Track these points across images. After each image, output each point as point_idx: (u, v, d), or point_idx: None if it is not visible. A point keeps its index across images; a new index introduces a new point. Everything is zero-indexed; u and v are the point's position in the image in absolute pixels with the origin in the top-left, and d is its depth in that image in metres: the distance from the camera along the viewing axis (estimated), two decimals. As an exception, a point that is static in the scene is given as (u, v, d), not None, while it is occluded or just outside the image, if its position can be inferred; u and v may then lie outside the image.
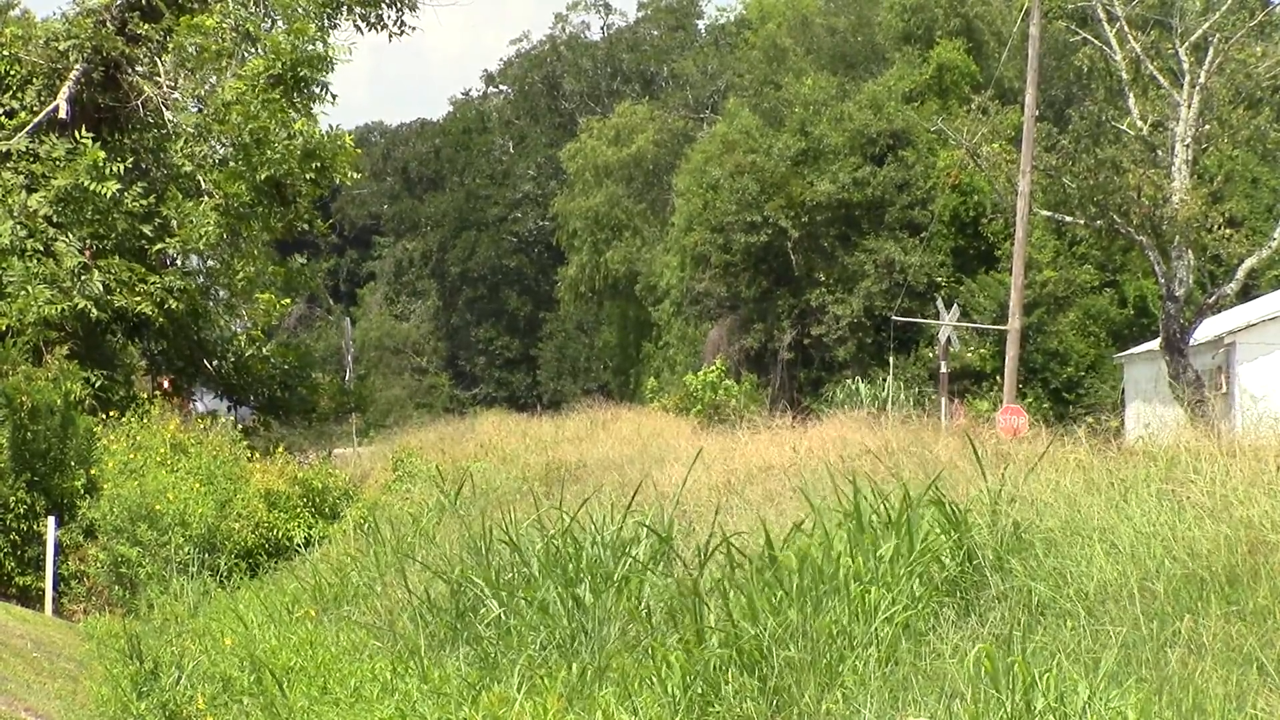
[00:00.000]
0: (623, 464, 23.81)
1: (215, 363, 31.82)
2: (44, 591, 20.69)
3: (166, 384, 30.90)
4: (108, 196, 26.17)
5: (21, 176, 27.14)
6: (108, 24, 27.91)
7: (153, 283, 27.90)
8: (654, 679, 9.92)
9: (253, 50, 27.72)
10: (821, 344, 56.85)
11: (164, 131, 28.61)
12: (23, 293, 25.66)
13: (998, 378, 44.47)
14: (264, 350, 32.87)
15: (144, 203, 27.20)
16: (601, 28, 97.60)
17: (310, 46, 27.09)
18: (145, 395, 27.04)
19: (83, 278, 26.47)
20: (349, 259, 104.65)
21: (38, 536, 21.00)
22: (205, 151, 27.65)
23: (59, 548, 20.97)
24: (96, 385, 26.00)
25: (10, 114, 28.04)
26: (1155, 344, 38.85)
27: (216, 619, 16.88)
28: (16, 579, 21.05)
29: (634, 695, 9.79)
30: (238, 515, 22.89)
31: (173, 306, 28.03)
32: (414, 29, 30.73)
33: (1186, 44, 34.26)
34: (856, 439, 20.51)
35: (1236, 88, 34.03)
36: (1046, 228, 48.55)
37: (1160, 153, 34.35)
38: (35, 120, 27.47)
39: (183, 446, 24.16)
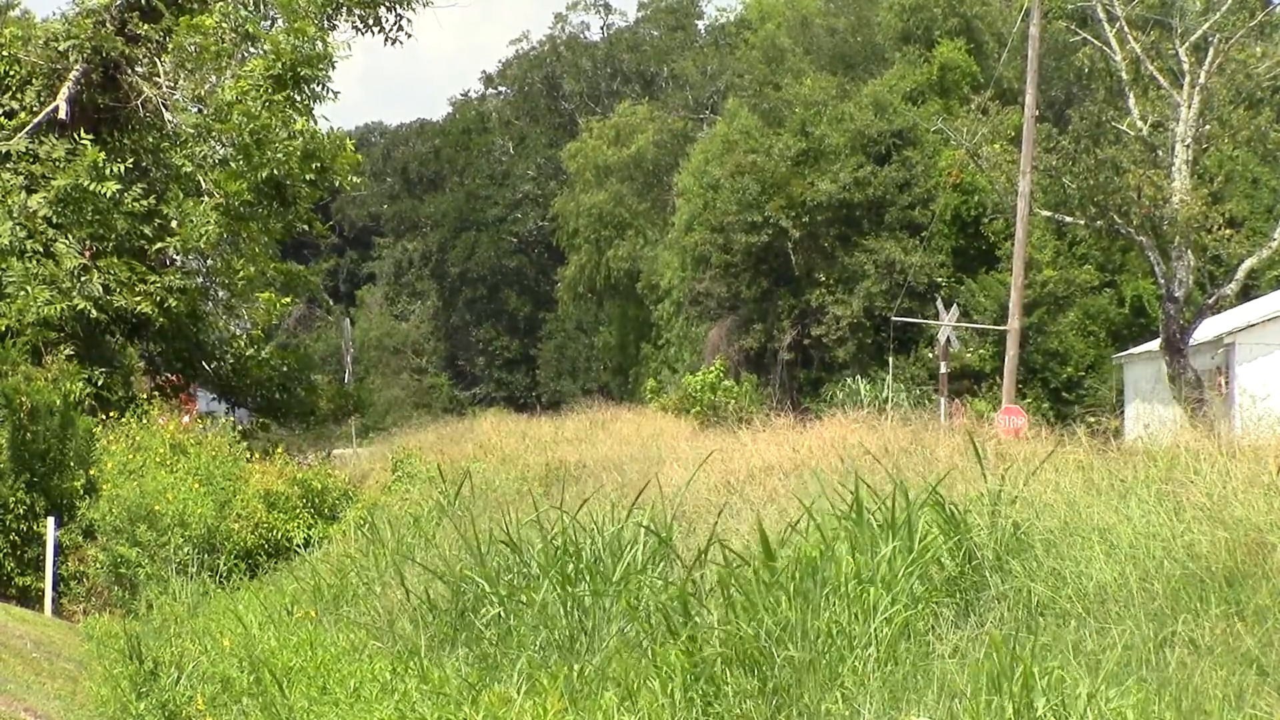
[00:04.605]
0: (622, 464, 23.81)
1: (214, 365, 31.77)
2: (43, 592, 20.68)
3: (174, 380, 30.83)
4: (107, 197, 26.17)
5: (21, 177, 27.13)
6: (107, 24, 27.89)
7: (152, 282, 27.90)
8: (654, 679, 9.92)
9: (252, 50, 27.72)
10: (821, 344, 56.86)
11: (164, 132, 28.61)
12: (22, 293, 25.65)
13: (997, 378, 44.45)
14: (263, 352, 32.82)
15: (144, 203, 27.20)
16: (601, 28, 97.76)
17: (310, 47, 27.08)
18: (144, 396, 27.00)
19: (82, 279, 26.47)
20: (349, 259, 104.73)
21: (37, 537, 20.99)
22: (205, 151, 27.65)
23: (58, 548, 20.95)
24: (98, 384, 25.98)
25: (10, 114, 28.03)
26: (1155, 344, 38.86)
27: (216, 619, 16.86)
28: (16, 579, 21.03)
29: (634, 695, 9.79)
30: (237, 516, 22.87)
31: (172, 305, 28.01)
32: (410, 35, 30.75)
33: (1186, 44, 34.28)
34: (856, 439, 20.49)
35: (1236, 88, 34.05)
36: (1047, 228, 48.55)
37: (1160, 153, 34.37)
38: (35, 121, 27.46)
39: (182, 447, 24.14)
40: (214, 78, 27.26)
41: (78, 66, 27.63)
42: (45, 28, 28.41)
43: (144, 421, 24.81)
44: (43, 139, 27.31)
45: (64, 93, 27.34)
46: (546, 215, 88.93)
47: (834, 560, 11.02)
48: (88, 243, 27.34)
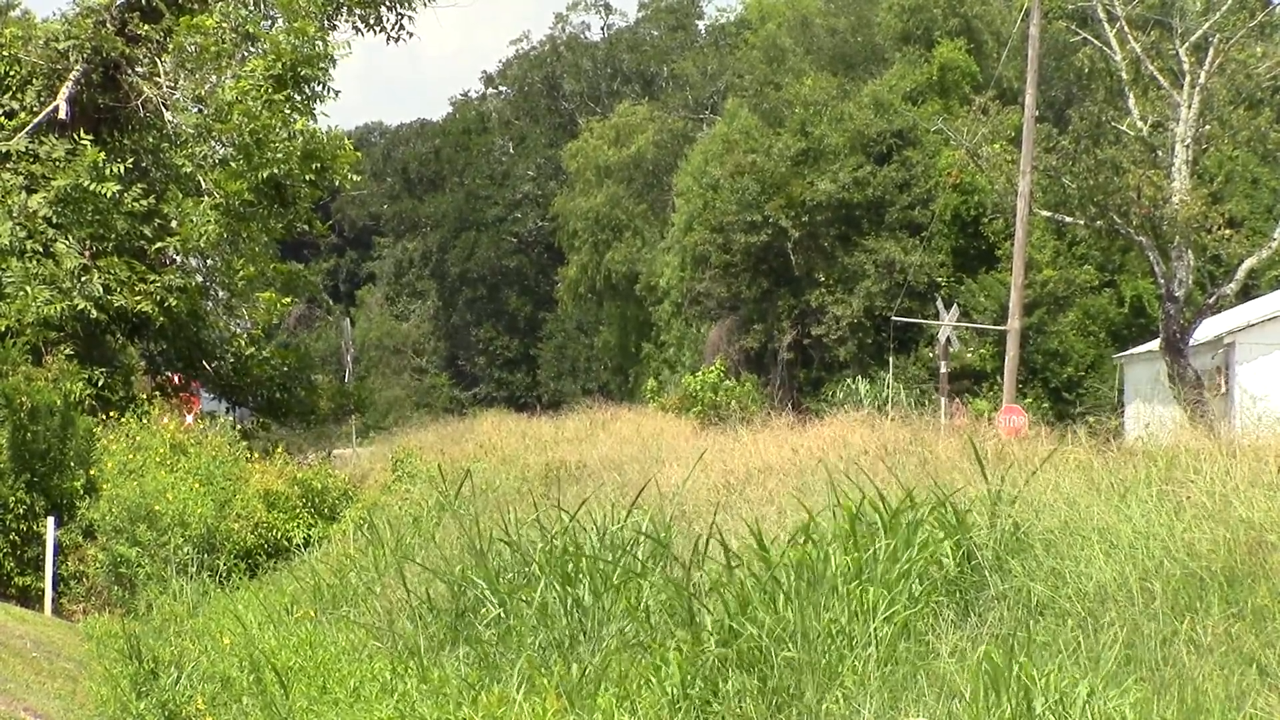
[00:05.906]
0: (622, 464, 23.79)
1: (214, 364, 31.78)
2: (43, 592, 20.69)
3: (176, 380, 30.83)
4: (107, 197, 26.16)
5: (21, 177, 27.12)
6: (108, 24, 27.88)
7: (152, 282, 27.90)
8: (653, 679, 9.92)
9: (253, 50, 27.71)
10: (821, 344, 56.84)
11: (164, 132, 28.60)
12: (22, 293, 25.64)
13: (998, 378, 44.45)
14: (263, 352, 32.83)
15: (144, 203, 27.19)
16: (601, 28, 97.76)
17: (310, 46, 27.08)
18: (145, 395, 26.99)
19: (82, 278, 26.46)
20: (349, 259, 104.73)
21: (37, 537, 21.00)
22: (205, 151, 27.65)
23: (58, 548, 20.96)
24: (99, 384, 25.97)
25: (10, 114, 28.02)
26: (1155, 344, 38.84)
27: (215, 619, 16.88)
28: (16, 579, 21.04)
29: (633, 695, 9.79)
30: (237, 516, 22.87)
31: (173, 305, 28.01)
32: (411, 35, 30.76)
33: (1186, 44, 34.25)
34: (856, 439, 20.49)
35: (1237, 88, 34.02)
36: (1046, 228, 48.53)
37: (1160, 153, 34.35)
38: (35, 121, 27.45)
39: (182, 447, 24.14)
40: (214, 78, 27.25)
41: (78, 66, 27.63)
42: (45, 28, 28.40)
43: (144, 421, 24.81)
44: (43, 139, 27.30)
45: (64, 93, 27.34)
46: (546, 215, 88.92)
47: (831, 561, 11.02)
48: (88, 243, 27.33)
